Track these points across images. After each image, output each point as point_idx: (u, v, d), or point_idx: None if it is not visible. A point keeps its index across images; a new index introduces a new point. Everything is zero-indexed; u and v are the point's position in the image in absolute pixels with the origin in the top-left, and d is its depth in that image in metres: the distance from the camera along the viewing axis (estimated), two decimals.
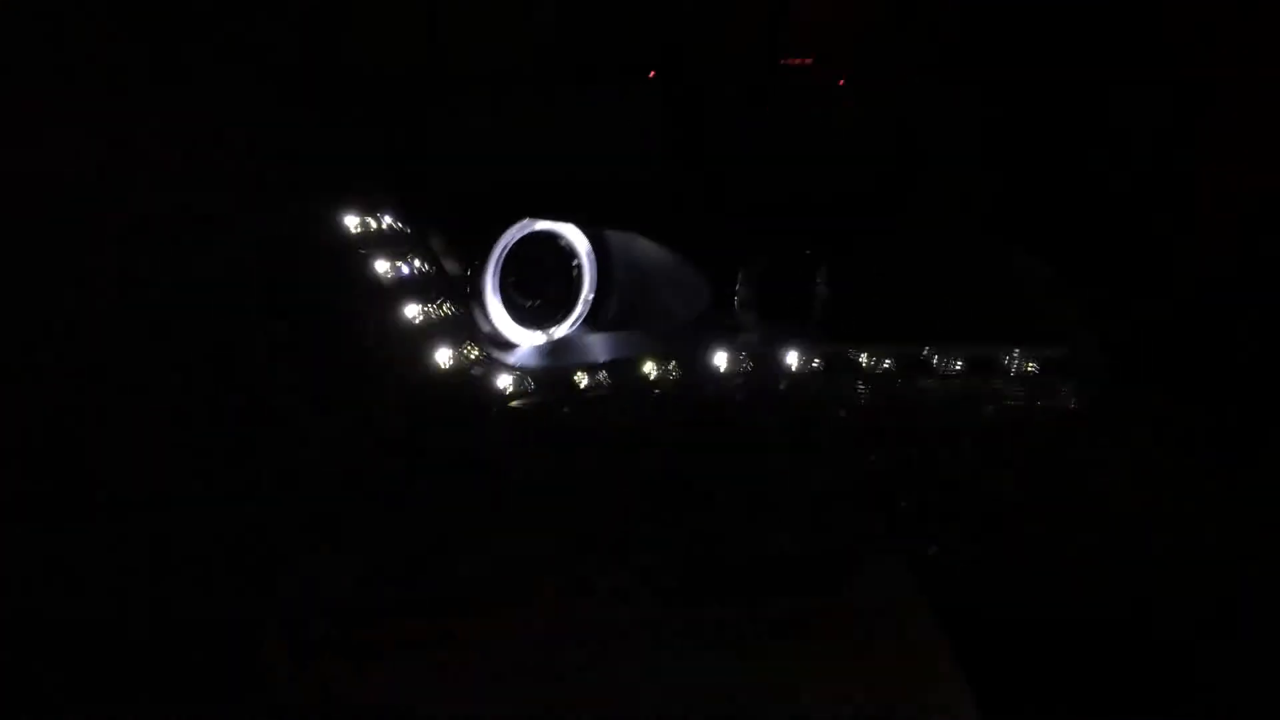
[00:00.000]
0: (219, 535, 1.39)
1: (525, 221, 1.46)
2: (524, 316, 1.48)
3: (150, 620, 1.25)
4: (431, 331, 1.38)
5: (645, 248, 1.51)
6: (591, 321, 1.51)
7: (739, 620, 1.24)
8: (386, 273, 1.40)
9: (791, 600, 1.27)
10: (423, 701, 1.13)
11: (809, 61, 2.36)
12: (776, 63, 2.39)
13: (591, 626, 1.24)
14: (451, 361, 1.36)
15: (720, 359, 1.42)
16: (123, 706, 1.16)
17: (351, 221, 1.42)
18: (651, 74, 2.40)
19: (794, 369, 1.42)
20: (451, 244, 1.43)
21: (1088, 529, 1.51)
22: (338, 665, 1.20)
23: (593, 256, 1.51)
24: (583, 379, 1.39)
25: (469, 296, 1.41)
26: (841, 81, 2.28)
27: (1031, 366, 1.41)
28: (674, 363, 1.40)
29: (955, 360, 1.40)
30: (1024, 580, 1.41)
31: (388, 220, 1.43)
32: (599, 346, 1.46)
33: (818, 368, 1.41)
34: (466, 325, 1.39)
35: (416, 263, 1.42)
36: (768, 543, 1.36)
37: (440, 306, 1.40)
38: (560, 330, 1.49)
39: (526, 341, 1.45)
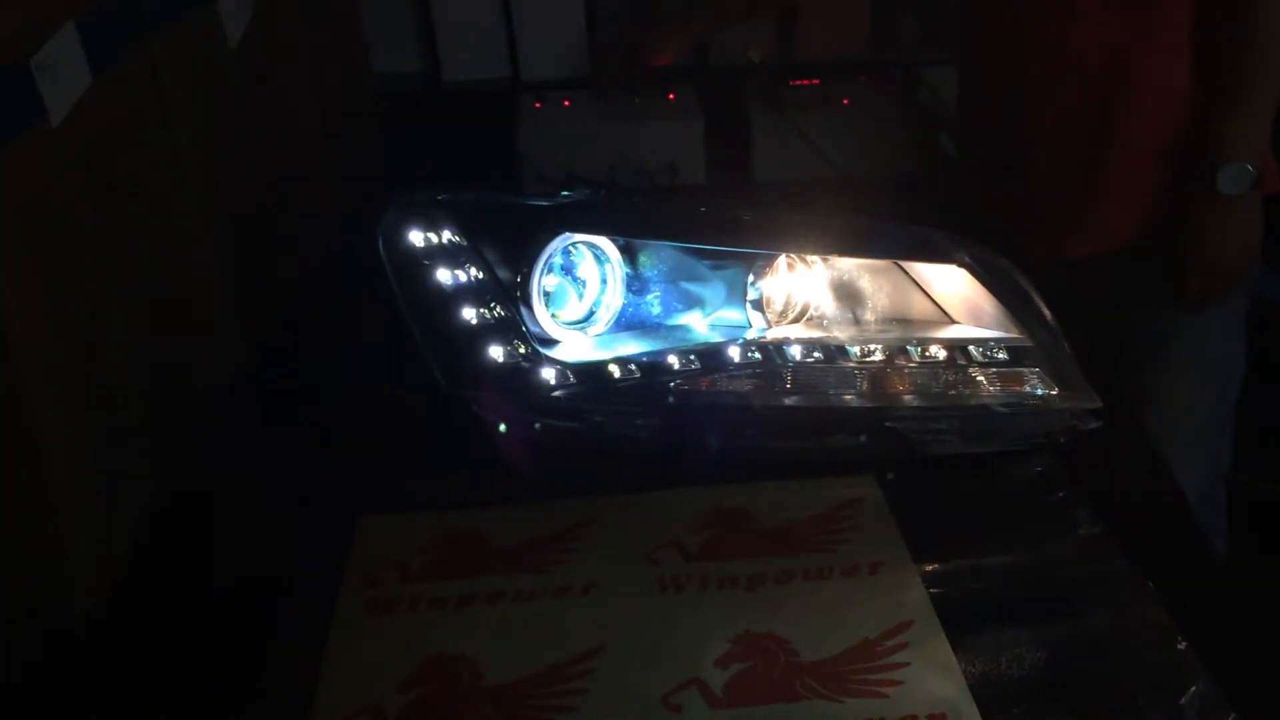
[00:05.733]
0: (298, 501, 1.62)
1: (565, 235, 1.67)
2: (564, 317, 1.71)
3: None
4: (486, 331, 1.61)
5: (669, 255, 1.74)
6: (622, 321, 1.74)
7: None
8: (447, 280, 1.63)
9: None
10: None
11: (816, 82, 2.58)
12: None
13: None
14: (504, 358, 1.60)
15: (733, 351, 1.64)
16: None
17: (417, 237, 1.65)
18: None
19: (796, 359, 1.64)
20: (503, 255, 1.65)
21: None
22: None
23: (623, 264, 1.74)
24: (615, 371, 1.61)
25: (518, 300, 1.63)
26: (846, 101, 2.49)
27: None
28: (693, 355, 1.63)
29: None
30: None
31: (447, 235, 1.65)
32: (629, 342, 1.69)
33: (816, 359, 1.63)
34: (516, 326, 1.61)
35: (473, 271, 1.64)
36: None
37: (493, 310, 1.62)
38: (596, 329, 1.73)
39: (567, 339, 1.68)
